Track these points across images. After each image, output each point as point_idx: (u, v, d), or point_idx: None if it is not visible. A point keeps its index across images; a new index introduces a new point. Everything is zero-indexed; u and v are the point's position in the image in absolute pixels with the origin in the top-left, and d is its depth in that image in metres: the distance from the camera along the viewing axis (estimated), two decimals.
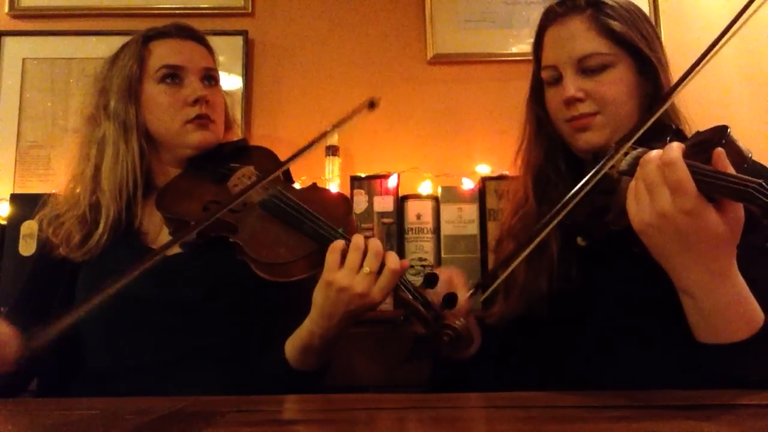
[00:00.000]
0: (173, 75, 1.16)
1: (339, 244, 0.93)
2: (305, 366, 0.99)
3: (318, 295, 0.93)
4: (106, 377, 1.06)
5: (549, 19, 1.05)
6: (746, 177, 0.70)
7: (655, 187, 0.75)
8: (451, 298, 0.90)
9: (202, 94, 1.15)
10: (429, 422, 0.67)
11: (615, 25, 0.99)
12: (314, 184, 1.18)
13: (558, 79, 1.02)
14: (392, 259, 0.91)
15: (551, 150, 1.09)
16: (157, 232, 1.16)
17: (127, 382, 1.04)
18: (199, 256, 1.11)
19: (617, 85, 0.99)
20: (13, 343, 0.92)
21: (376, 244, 0.92)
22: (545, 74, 1.05)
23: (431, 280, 0.96)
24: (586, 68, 0.99)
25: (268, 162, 1.14)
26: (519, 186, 1.12)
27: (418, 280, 0.96)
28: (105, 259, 1.12)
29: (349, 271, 0.90)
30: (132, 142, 1.15)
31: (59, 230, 1.13)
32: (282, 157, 1.21)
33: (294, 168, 1.18)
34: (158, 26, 1.22)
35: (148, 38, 1.20)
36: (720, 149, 0.74)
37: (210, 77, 1.21)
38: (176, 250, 1.11)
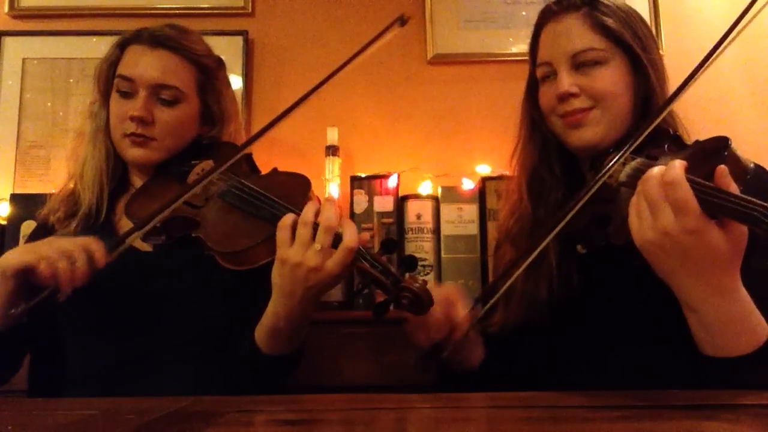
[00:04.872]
0: (126, 87, 1.15)
1: (287, 219, 0.90)
2: (275, 351, 0.99)
3: (275, 275, 0.92)
4: (88, 375, 1.07)
5: (545, 17, 1.06)
6: (751, 199, 0.69)
7: (658, 206, 0.74)
8: (410, 261, 0.90)
9: (137, 114, 1.11)
10: (429, 422, 0.67)
11: (609, 21, 0.99)
12: (275, 169, 1.16)
13: (552, 75, 1.02)
14: (349, 236, 0.88)
15: (545, 150, 1.09)
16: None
17: (108, 379, 1.05)
18: (171, 252, 1.11)
19: (611, 81, 0.99)
20: (99, 246, 0.92)
21: (328, 217, 0.89)
22: (540, 71, 1.05)
23: (389, 246, 0.95)
24: (581, 63, 0.99)
25: (227, 153, 1.10)
26: (514, 188, 1.12)
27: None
28: None
29: (300, 246, 0.88)
30: (99, 144, 1.19)
31: (53, 203, 1.19)
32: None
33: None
34: (140, 28, 1.19)
35: (126, 42, 1.19)
36: (723, 167, 0.73)
37: (162, 97, 1.14)
38: (147, 248, 1.13)
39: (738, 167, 0.75)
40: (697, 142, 0.86)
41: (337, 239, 0.89)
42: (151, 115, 1.13)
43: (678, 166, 0.74)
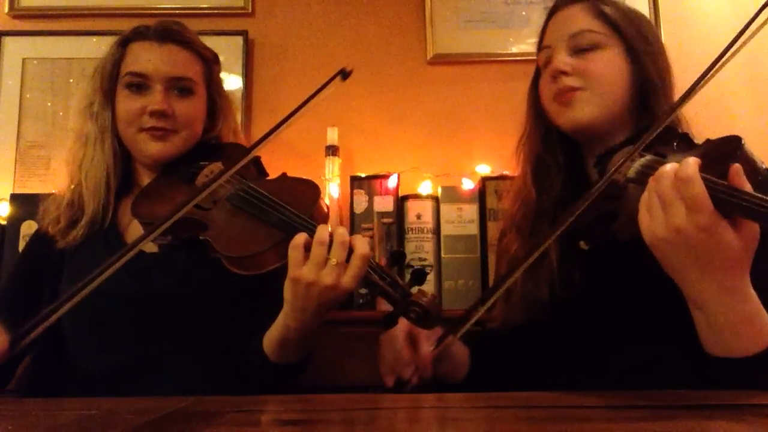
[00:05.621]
0: (138, 83, 1.15)
1: (300, 239, 0.90)
2: (285, 359, 0.99)
3: (287, 291, 0.92)
4: (92, 377, 1.07)
5: (554, 9, 1.09)
6: (765, 197, 0.68)
7: (671, 203, 0.73)
8: (419, 274, 0.90)
9: (159, 108, 1.13)
10: (429, 422, 0.67)
11: (609, 10, 1.02)
12: (283, 174, 1.16)
13: (551, 60, 1.04)
14: (361, 245, 0.89)
15: (549, 141, 1.10)
16: (138, 232, 1.14)
17: (113, 380, 1.04)
18: (176, 254, 1.11)
19: (604, 64, 1.00)
20: (1, 340, 0.88)
21: (341, 233, 0.90)
22: (541, 57, 1.07)
23: (398, 257, 0.96)
24: (577, 46, 1.01)
25: (236, 156, 1.10)
26: (519, 175, 1.13)
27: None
28: (84, 256, 1.13)
29: (315, 266, 0.88)
30: (107, 145, 1.16)
31: (53, 213, 1.17)
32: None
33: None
34: (140, 26, 1.20)
35: (127, 39, 1.18)
36: (737, 165, 0.73)
37: (182, 88, 1.17)
38: (154, 249, 1.13)
39: (750, 167, 0.74)
40: (708, 141, 0.86)
41: (349, 254, 0.89)
42: (170, 108, 1.15)
43: (692, 163, 0.73)
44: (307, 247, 0.89)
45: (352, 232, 1.29)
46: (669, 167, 0.75)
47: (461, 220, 1.62)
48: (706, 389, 0.75)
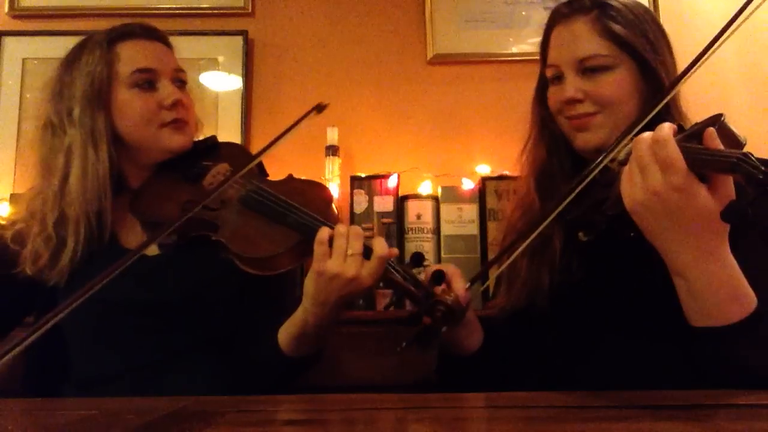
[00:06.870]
0: (148, 80, 1.13)
1: (324, 233, 0.93)
2: (300, 353, 1.00)
3: (310, 286, 0.94)
4: (95, 383, 1.06)
5: (555, 19, 1.06)
6: (731, 150, 0.71)
7: (646, 166, 0.76)
8: (439, 274, 0.92)
9: (179, 97, 1.13)
10: (429, 422, 0.67)
11: (617, 28, 0.99)
12: (290, 176, 1.16)
13: (560, 78, 1.03)
14: (380, 246, 0.92)
15: (555, 148, 1.10)
16: (137, 236, 1.13)
17: (117, 387, 1.03)
18: (178, 256, 1.09)
19: (617, 86, 0.99)
20: None
21: (355, 228, 0.94)
22: (548, 72, 1.06)
23: (418, 259, 0.99)
24: (587, 69, 1.00)
25: (240, 157, 1.11)
26: (523, 183, 1.13)
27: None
28: (87, 273, 1.00)
29: (338, 257, 0.91)
30: (102, 150, 1.09)
31: (24, 247, 1.08)
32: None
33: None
34: (120, 26, 1.18)
35: (112, 40, 1.15)
36: (711, 129, 0.75)
37: (180, 79, 1.18)
38: (155, 251, 1.10)
39: (730, 140, 0.76)
40: (695, 123, 0.88)
41: (367, 252, 0.92)
42: (184, 98, 1.16)
43: (666, 127, 0.76)
44: (330, 243, 0.92)
45: None
46: (646, 134, 0.78)
47: (461, 220, 1.62)
48: (700, 381, 0.76)
